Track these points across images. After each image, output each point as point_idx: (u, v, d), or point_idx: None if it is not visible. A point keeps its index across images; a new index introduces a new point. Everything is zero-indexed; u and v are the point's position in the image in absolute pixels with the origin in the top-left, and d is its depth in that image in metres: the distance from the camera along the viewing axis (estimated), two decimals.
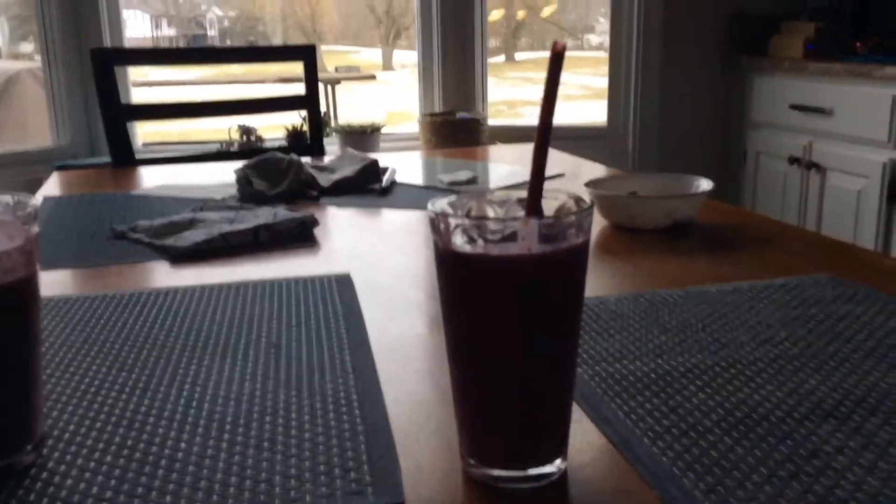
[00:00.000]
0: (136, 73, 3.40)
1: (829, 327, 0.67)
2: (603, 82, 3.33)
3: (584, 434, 0.51)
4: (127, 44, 3.09)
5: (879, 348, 0.62)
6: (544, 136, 0.41)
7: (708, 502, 0.43)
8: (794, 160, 2.75)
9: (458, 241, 0.41)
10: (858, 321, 0.68)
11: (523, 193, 0.44)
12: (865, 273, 0.81)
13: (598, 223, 1.03)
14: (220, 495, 0.44)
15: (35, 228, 0.48)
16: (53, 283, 0.85)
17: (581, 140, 3.18)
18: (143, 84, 4.33)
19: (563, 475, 0.46)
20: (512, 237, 0.41)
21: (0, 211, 0.49)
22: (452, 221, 0.41)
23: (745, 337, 0.65)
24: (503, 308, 0.42)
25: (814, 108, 2.64)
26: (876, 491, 0.43)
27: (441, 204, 0.44)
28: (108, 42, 2.91)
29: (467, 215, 0.45)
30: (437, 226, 0.42)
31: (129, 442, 0.50)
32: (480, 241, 0.41)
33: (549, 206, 0.45)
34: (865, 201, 2.46)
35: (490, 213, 0.46)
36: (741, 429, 0.50)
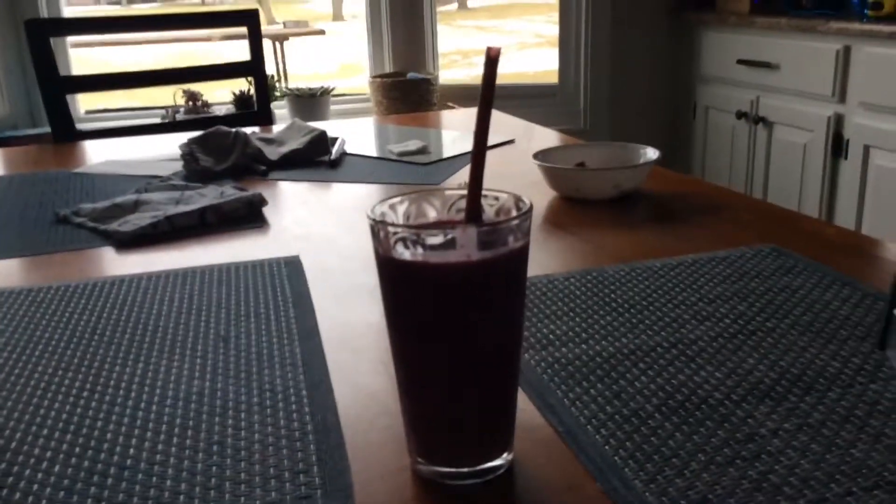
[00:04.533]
0: None
1: (768, 301, 0.68)
2: (556, 29, 3.31)
3: (530, 422, 0.52)
4: (66, 9, 2.98)
5: (815, 322, 0.64)
6: (481, 144, 0.41)
7: (648, 493, 0.44)
8: (741, 115, 2.79)
9: (398, 249, 0.42)
10: (796, 294, 0.70)
11: (465, 191, 0.44)
12: (809, 242, 0.83)
13: (547, 194, 1.03)
14: None
15: None
16: None
17: (533, 98, 3.18)
18: (84, 45, 4.19)
19: (509, 468, 0.47)
20: (451, 244, 0.41)
21: None
22: (391, 230, 0.42)
23: (688, 314, 0.67)
24: (444, 314, 0.42)
25: (761, 63, 2.67)
26: (807, 475, 0.45)
27: (380, 209, 0.44)
28: (44, 12, 2.82)
29: (406, 221, 0.45)
30: (377, 233, 0.42)
31: (77, 450, 0.50)
32: (420, 249, 0.41)
33: (489, 206, 0.45)
34: (811, 154, 2.51)
35: (430, 214, 0.46)
36: (681, 413, 0.52)
